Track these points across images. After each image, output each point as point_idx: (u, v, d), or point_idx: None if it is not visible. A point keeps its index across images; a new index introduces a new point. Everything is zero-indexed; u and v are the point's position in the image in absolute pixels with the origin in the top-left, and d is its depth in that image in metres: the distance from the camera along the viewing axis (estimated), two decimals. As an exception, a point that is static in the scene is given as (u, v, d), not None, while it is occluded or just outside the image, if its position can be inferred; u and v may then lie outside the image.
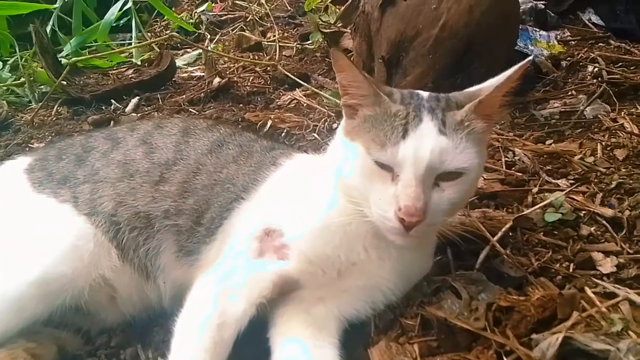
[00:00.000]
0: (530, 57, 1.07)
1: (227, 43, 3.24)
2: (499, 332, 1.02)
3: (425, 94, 1.06)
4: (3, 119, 2.17)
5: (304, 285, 1.08)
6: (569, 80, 2.25)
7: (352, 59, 2.47)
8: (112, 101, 2.25)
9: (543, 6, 2.78)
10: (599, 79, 2.19)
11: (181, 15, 3.72)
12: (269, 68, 2.58)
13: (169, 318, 1.14)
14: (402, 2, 2.09)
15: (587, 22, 2.91)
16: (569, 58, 2.41)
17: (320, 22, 2.81)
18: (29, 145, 1.95)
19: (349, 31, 2.75)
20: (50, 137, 2.00)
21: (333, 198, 1.08)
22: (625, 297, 1.08)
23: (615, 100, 2.01)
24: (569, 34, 2.76)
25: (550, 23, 2.78)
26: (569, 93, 2.15)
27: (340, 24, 2.93)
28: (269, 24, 3.44)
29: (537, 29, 2.60)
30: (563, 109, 2.04)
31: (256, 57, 2.85)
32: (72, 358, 1.12)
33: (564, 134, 1.85)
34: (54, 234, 1.11)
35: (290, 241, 1.07)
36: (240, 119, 2.03)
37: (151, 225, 1.16)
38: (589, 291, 1.11)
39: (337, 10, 3.01)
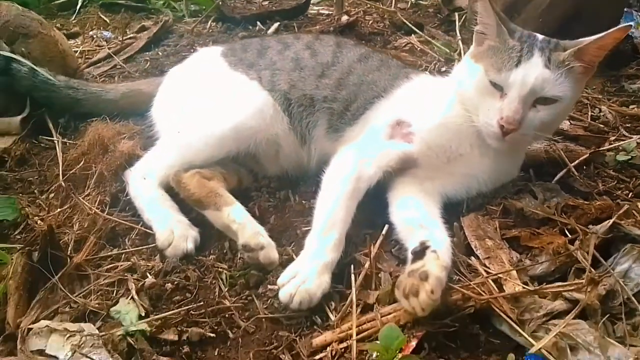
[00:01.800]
0: (631, 23, 1.36)
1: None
2: (565, 218, 1.36)
3: (540, 36, 1.38)
4: (170, 25, 2.66)
5: (420, 165, 1.45)
6: (662, 62, 2.44)
7: (465, 16, 2.76)
8: (258, 23, 2.69)
9: (649, -7, 2.92)
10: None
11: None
12: (387, 14, 2.91)
13: (312, 177, 1.58)
14: (521, -32, 2.35)
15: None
16: (665, 43, 2.58)
17: (437, -20, 3.09)
18: (193, 47, 2.42)
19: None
20: (209, 44, 2.45)
21: (452, 104, 1.44)
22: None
23: None
24: (671, 21, 2.89)
25: (654, 11, 2.92)
26: (660, 74, 2.35)
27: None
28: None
29: (640, 14, 2.77)
30: (651, 86, 2.26)
31: (373, 4, 3.17)
32: (245, 189, 1.56)
33: (648, 104, 2.09)
34: (247, 99, 1.54)
35: (415, 130, 1.44)
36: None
37: (313, 105, 1.57)
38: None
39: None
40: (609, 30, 1.28)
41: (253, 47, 1.71)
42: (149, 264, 1.27)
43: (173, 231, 1.32)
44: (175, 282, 1.22)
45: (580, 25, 2.23)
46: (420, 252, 1.21)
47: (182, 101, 1.61)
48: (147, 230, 1.37)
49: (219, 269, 1.28)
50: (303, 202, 1.54)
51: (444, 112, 1.44)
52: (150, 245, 1.33)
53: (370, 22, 2.85)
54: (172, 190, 1.45)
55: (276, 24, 2.68)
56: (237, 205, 1.37)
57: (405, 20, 2.72)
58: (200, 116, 1.52)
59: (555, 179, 1.57)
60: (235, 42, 1.84)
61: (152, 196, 1.43)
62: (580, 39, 1.35)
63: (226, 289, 1.24)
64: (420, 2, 3.26)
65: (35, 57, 1.89)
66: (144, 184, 1.45)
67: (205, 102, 1.55)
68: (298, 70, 1.61)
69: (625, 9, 2.71)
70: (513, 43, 1.33)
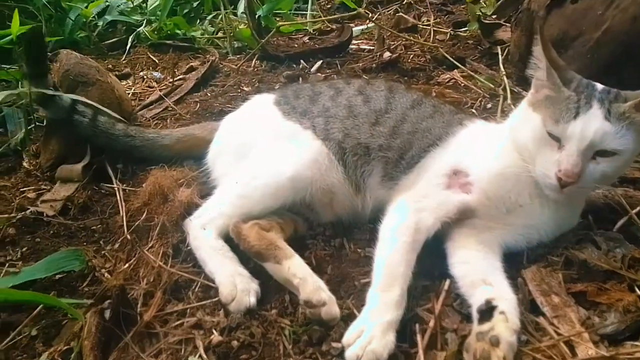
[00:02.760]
0: None
1: (384, 22, 3.62)
2: (633, 273, 1.33)
3: (600, 86, 1.36)
4: (217, 64, 2.73)
5: (478, 215, 1.44)
6: None
7: (508, 50, 2.75)
8: (301, 61, 2.74)
9: None
10: None
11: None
12: (427, 49, 2.92)
13: (366, 223, 1.59)
14: (569, 5, 2.33)
15: None
16: None
17: (478, 13, 3.09)
18: (240, 87, 2.48)
19: (505, 24, 3.02)
20: (255, 83, 2.51)
21: (509, 152, 1.42)
22: None
23: None
24: None
25: None
26: None
27: (495, 17, 3.20)
28: (422, 9, 3.77)
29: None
30: None
31: (412, 38, 3.19)
32: (300, 237, 1.57)
33: None
34: (302, 149, 1.56)
35: (473, 180, 1.44)
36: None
37: (368, 154, 1.58)
38: None
39: (494, 3, 3.27)
40: None
41: (305, 94, 1.74)
42: (214, 320, 1.29)
43: (236, 285, 1.34)
44: (241, 339, 1.23)
45: (629, 63, 2.20)
46: (487, 312, 1.20)
47: (237, 151, 1.64)
48: (209, 283, 1.39)
49: (282, 324, 1.29)
50: (358, 250, 1.54)
51: (501, 161, 1.43)
52: (213, 299, 1.35)
53: (412, 56, 2.86)
54: (231, 241, 1.48)
55: (319, 62, 2.72)
56: (297, 258, 1.39)
57: (446, 55, 2.73)
58: (256, 167, 1.55)
59: (617, 226, 1.54)
60: (287, 87, 1.87)
61: (212, 247, 1.46)
62: None
63: (290, 346, 1.24)
64: (459, 33, 3.26)
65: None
66: (203, 235, 1.48)
67: (261, 152, 1.58)
68: (352, 118, 1.62)
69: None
70: (569, 93, 1.31)
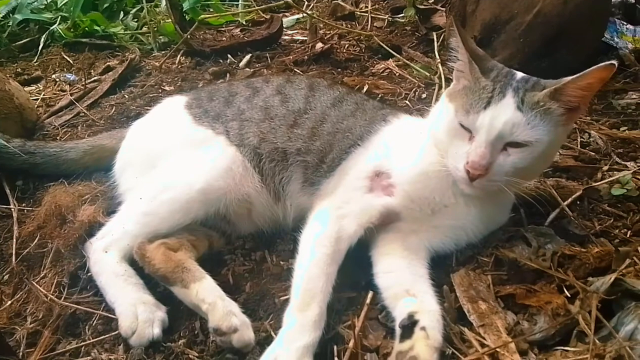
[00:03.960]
0: (613, 62, 1.18)
1: (321, 10, 3.48)
2: (562, 272, 1.27)
3: (519, 74, 1.28)
4: (137, 62, 2.54)
5: (403, 219, 1.35)
6: (650, 74, 2.35)
7: (443, 35, 2.67)
8: (229, 56, 2.57)
9: (634, 1, 2.84)
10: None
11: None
12: (363, 37, 2.81)
13: (290, 233, 1.48)
14: (500, -12, 2.26)
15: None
16: (652, 53, 2.51)
17: (415, -1, 3.00)
18: (161, 87, 2.31)
19: (441, 9, 2.94)
20: (178, 82, 2.34)
21: (430, 149, 1.33)
22: (673, 259, 1.29)
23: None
24: (657, 29, 2.81)
25: (639, 18, 2.83)
26: (648, 86, 2.27)
27: (432, 1, 3.12)
28: (361, -5, 3.65)
29: (625, 23, 2.68)
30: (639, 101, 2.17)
31: (349, 26, 3.07)
32: (217, 253, 1.45)
33: (638, 123, 2.00)
34: (214, 157, 1.43)
35: (396, 182, 1.34)
36: (340, 83, 2.29)
37: (286, 159, 1.46)
38: (640, 250, 1.32)
39: (431, -13, 3.19)
40: (591, 69, 1.16)
41: (220, 95, 1.60)
42: (112, 357, 1.15)
43: (137, 315, 1.20)
44: (141, 378, 1.10)
45: (562, 45, 2.16)
46: (409, 328, 1.11)
47: (144, 161, 1.49)
48: (110, 315, 1.25)
49: (190, 356, 1.17)
50: (281, 262, 1.43)
51: (423, 159, 1.34)
52: (114, 333, 1.21)
53: (346, 46, 2.75)
54: (138, 263, 1.34)
55: (248, 56, 2.57)
56: (207, 280, 1.26)
57: (381, 43, 2.63)
58: (163, 180, 1.41)
59: (548, 220, 1.48)
60: (201, 89, 1.72)
61: (114, 272, 1.31)
62: (563, 78, 1.23)
63: (198, 381, 1.12)
64: (397, 20, 3.17)
65: (-12, 116, 1.77)
66: (105, 259, 1.33)
67: (168, 163, 1.44)
68: (268, 121, 1.50)
69: (608, 19, 2.63)
70: (485, 83, 1.23)
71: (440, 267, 1.35)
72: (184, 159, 1.44)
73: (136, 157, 1.54)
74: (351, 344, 1.14)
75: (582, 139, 1.88)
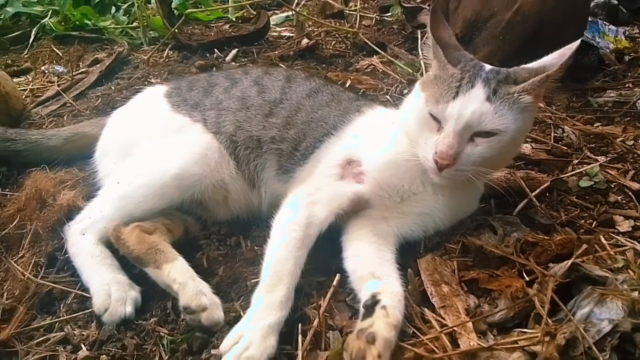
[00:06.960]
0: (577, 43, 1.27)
1: (310, 9, 3.53)
2: (523, 258, 1.31)
3: (488, 66, 1.32)
4: (125, 55, 2.58)
5: (372, 206, 1.39)
6: (629, 74, 2.41)
7: (427, 34, 2.71)
8: (215, 50, 2.61)
9: (616, 1, 2.89)
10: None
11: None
12: (349, 35, 2.85)
13: (264, 220, 1.51)
14: (481, -15, 2.30)
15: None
16: (632, 53, 2.56)
17: (401, -3, 3.04)
18: (148, 79, 2.34)
19: (427, 7, 2.98)
20: (165, 75, 2.38)
21: (401, 139, 1.37)
22: (632, 247, 1.33)
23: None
24: (637, 31, 2.87)
25: (622, 19, 2.89)
26: (626, 85, 2.32)
27: (419, 0, 3.16)
28: (350, -7, 3.69)
29: (607, 23, 2.73)
30: (617, 99, 2.22)
31: (338, 24, 3.11)
32: (193, 238, 1.48)
33: (613, 120, 2.05)
34: (190, 144, 1.46)
35: (366, 169, 1.38)
36: (323, 78, 2.33)
37: (260, 146, 1.49)
38: (603, 239, 1.35)
39: (418, -14, 3.23)
40: (564, 60, 1.22)
41: (199, 85, 1.64)
42: (84, 333, 1.19)
43: (110, 294, 1.24)
44: (111, 353, 1.14)
45: (542, 42, 2.19)
46: (371, 308, 1.15)
47: (122, 147, 1.53)
48: (85, 294, 1.28)
49: (161, 334, 1.20)
50: (255, 248, 1.46)
51: (393, 148, 1.38)
52: (87, 311, 1.25)
53: (332, 43, 2.79)
54: (114, 245, 1.37)
55: (234, 51, 2.61)
56: (179, 261, 1.30)
57: (367, 41, 2.67)
58: (139, 165, 1.45)
59: (516, 210, 1.52)
60: (182, 78, 1.76)
61: (90, 253, 1.35)
62: (536, 64, 1.29)
63: (167, 357, 1.16)
64: (385, 18, 3.21)
65: (-27, 104, 1.80)
66: (82, 241, 1.37)
67: (145, 148, 1.48)
68: (244, 110, 1.54)
69: (590, 19, 2.68)
70: (453, 71, 1.27)
71: (409, 254, 1.39)
72: (160, 145, 1.48)
73: (116, 143, 1.57)
74: (315, 322, 1.17)
75: (555, 134, 1.92)
